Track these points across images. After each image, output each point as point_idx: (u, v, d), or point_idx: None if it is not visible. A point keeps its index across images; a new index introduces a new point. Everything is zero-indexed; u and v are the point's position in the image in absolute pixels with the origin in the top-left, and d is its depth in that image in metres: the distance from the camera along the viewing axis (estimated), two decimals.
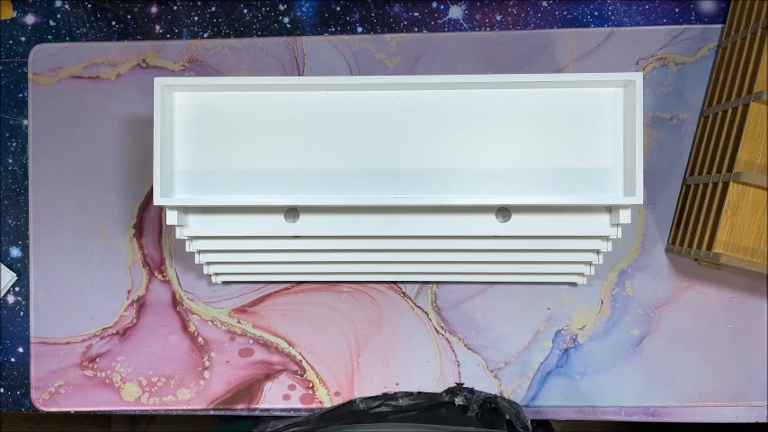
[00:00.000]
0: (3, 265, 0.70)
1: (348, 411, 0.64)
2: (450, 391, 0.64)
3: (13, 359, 0.70)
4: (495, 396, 0.62)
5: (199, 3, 0.71)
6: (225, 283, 0.69)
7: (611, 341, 0.67)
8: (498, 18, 0.69)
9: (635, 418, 0.66)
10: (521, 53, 0.68)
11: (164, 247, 0.69)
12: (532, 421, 0.63)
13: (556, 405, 0.67)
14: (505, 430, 0.60)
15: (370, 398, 0.64)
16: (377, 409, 0.63)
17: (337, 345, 0.68)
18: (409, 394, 0.64)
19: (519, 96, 0.55)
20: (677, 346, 0.66)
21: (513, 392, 0.67)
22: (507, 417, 0.61)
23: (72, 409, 0.69)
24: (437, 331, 0.68)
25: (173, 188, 0.56)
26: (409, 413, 0.62)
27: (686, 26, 0.68)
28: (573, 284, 0.67)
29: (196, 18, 0.71)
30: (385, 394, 0.65)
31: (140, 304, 0.69)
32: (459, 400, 0.62)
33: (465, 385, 0.66)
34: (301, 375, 0.68)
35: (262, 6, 0.71)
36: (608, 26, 0.68)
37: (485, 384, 0.67)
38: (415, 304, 0.68)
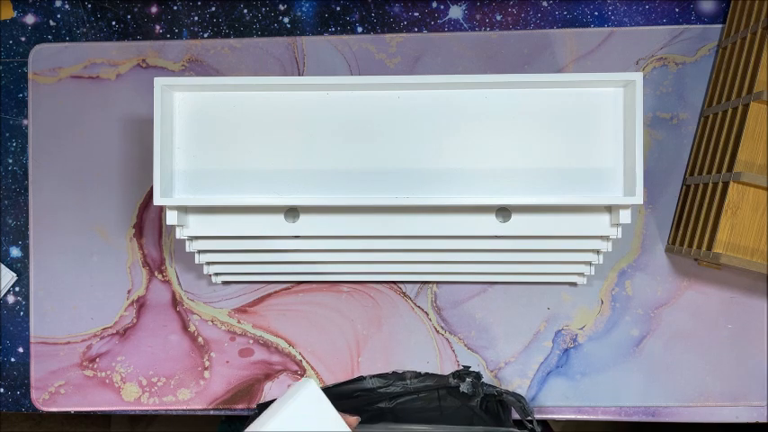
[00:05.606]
0: (3, 265, 0.70)
1: (358, 388, 0.65)
2: (457, 375, 0.64)
3: (13, 359, 0.70)
4: (501, 391, 0.63)
5: (199, 3, 0.71)
6: (225, 283, 0.69)
7: (611, 341, 0.67)
8: (498, 18, 0.69)
9: (635, 418, 0.66)
10: (521, 53, 0.68)
11: (164, 247, 0.69)
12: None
13: (556, 405, 0.67)
14: (511, 424, 0.61)
15: (379, 375, 0.65)
16: (385, 389, 0.64)
17: (337, 345, 0.68)
18: (417, 375, 0.65)
19: (519, 96, 0.55)
20: (677, 347, 0.66)
21: None
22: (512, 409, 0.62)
23: (72, 409, 0.69)
24: (437, 331, 0.68)
25: (173, 188, 0.56)
26: (415, 403, 0.63)
27: (686, 26, 0.68)
28: (573, 284, 0.67)
29: (196, 18, 0.71)
30: (394, 372, 0.65)
31: (140, 304, 0.69)
32: (464, 387, 0.63)
33: (472, 369, 0.65)
34: (301, 375, 0.68)
35: (262, 6, 0.71)
36: (608, 26, 0.68)
37: None
38: (414, 304, 0.68)
